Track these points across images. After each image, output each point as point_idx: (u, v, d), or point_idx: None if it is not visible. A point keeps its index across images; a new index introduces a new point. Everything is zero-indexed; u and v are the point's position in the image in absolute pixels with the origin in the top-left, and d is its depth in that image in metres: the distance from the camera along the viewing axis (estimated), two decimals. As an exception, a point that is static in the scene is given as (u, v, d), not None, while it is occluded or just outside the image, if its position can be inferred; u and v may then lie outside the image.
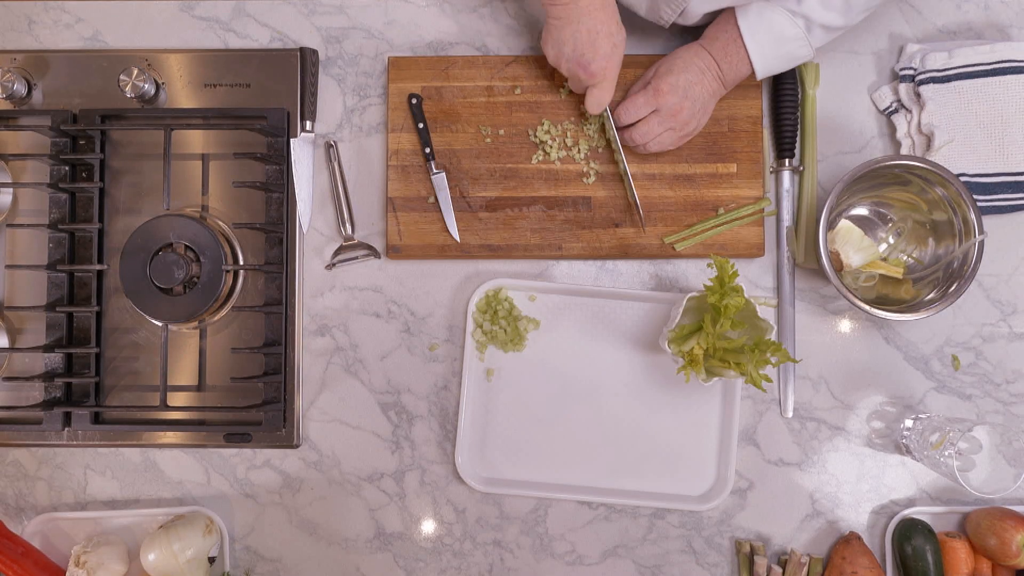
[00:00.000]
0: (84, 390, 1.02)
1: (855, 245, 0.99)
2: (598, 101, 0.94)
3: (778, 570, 0.98)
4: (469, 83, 1.03)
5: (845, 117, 1.04)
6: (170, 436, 1.02)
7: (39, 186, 1.01)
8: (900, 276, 0.99)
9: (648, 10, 0.96)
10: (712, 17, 0.95)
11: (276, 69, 1.04)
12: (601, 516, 1.02)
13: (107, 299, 1.03)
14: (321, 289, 1.04)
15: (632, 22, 0.99)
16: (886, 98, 1.03)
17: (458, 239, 1.02)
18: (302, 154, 1.03)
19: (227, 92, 1.05)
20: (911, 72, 1.01)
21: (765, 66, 0.93)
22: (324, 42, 1.06)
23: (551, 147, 1.01)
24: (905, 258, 1.01)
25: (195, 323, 1.03)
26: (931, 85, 0.99)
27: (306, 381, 1.03)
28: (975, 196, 0.97)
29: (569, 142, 1.01)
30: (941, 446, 0.91)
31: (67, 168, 1.03)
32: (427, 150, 1.02)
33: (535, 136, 1.02)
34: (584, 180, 1.02)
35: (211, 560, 0.99)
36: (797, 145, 1.03)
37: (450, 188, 1.02)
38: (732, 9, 0.92)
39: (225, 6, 1.07)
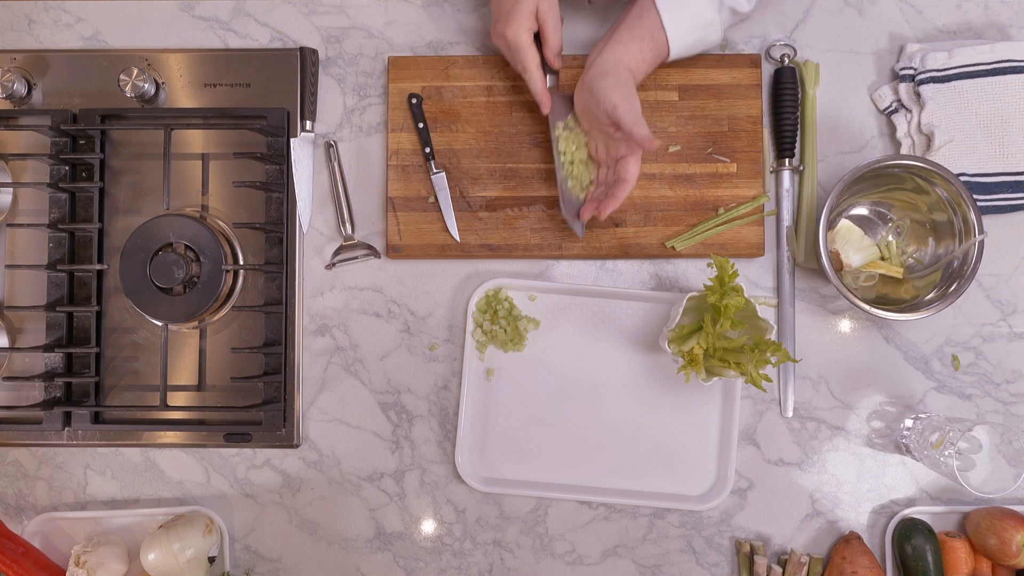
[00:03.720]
0: (84, 390, 1.02)
1: (855, 245, 0.99)
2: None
3: (778, 570, 0.98)
4: (469, 83, 1.03)
5: (845, 117, 1.04)
6: (170, 436, 1.02)
7: (39, 186, 1.01)
8: (900, 276, 0.99)
9: None
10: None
11: (276, 69, 1.04)
12: (601, 516, 1.02)
13: (107, 299, 1.03)
14: (321, 289, 1.04)
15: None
16: (886, 98, 1.03)
17: (458, 239, 1.02)
18: (302, 154, 1.03)
19: (227, 92, 1.05)
20: (911, 72, 1.01)
21: (679, 50, 0.92)
22: (324, 42, 1.06)
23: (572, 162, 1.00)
24: (905, 258, 1.01)
25: (195, 323, 1.03)
26: (931, 85, 0.99)
27: (306, 381, 1.03)
28: (975, 196, 0.97)
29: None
30: (941, 446, 0.91)
31: (67, 168, 1.03)
32: (427, 150, 1.02)
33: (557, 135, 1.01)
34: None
35: (211, 560, 0.99)
36: (797, 145, 1.03)
37: (450, 188, 1.02)
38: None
39: (225, 6, 1.07)
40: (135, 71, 1.01)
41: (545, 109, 0.95)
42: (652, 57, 0.92)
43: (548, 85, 0.96)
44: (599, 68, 0.90)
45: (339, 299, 1.04)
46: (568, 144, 0.96)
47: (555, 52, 0.93)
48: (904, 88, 1.01)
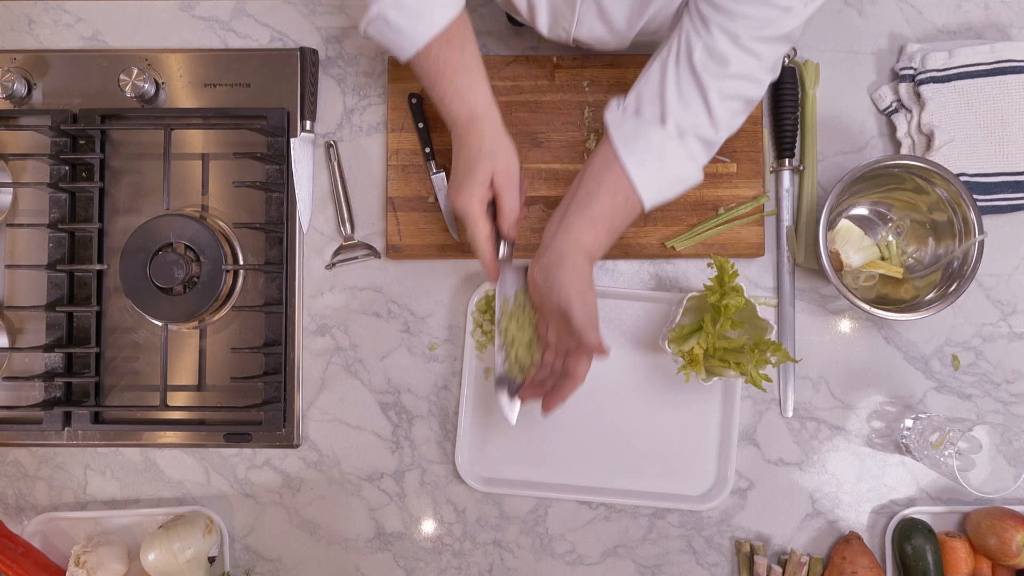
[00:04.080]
0: (84, 390, 1.02)
1: (855, 245, 0.99)
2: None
3: (778, 570, 0.98)
4: (469, 83, 1.03)
5: (845, 117, 1.04)
6: (170, 436, 1.02)
7: (39, 186, 1.01)
8: (900, 276, 0.99)
9: (550, 28, 0.91)
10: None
11: (276, 69, 1.04)
12: (601, 516, 1.02)
13: (107, 299, 1.03)
14: (321, 289, 1.04)
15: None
16: (886, 98, 1.03)
17: (458, 239, 1.01)
18: (302, 154, 1.03)
19: (227, 92, 1.05)
20: (911, 72, 1.01)
21: (652, 199, 0.83)
22: (324, 42, 1.06)
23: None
24: (906, 258, 1.01)
25: (195, 323, 1.03)
26: (931, 85, 0.99)
27: (306, 381, 1.03)
28: (975, 196, 0.97)
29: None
30: (941, 446, 0.91)
31: (67, 168, 1.03)
32: (427, 150, 1.02)
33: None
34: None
35: (211, 560, 0.99)
36: (797, 145, 1.03)
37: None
38: (610, 145, 0.83)
39: (225, 6, 1.07)
40: (135, 71, 1.01)
41: (492, 281, 0.87)
42: (608, 235, 0.84)
43: (500, 255, 0.88)
44: (556, 253, 0.82)
45: (339, 299, 1.04)
46: (511, 323, 0.88)
47: (510, 223, 0.86)
48: (904, 88, 1.01)
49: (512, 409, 0.88)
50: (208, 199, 1.04)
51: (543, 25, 0.90)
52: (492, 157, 0.83)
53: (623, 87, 1.01)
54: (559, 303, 0.81)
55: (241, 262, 1.04)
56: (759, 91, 0.82)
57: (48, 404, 1.00)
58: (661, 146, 0.81)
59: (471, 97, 0.84)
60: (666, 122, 0.81)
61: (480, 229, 0.84)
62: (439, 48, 0.82)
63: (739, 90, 0.81)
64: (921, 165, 0.94)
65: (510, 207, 0.85)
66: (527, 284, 0.89)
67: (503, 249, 0.88)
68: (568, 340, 0.84)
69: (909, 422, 0.99)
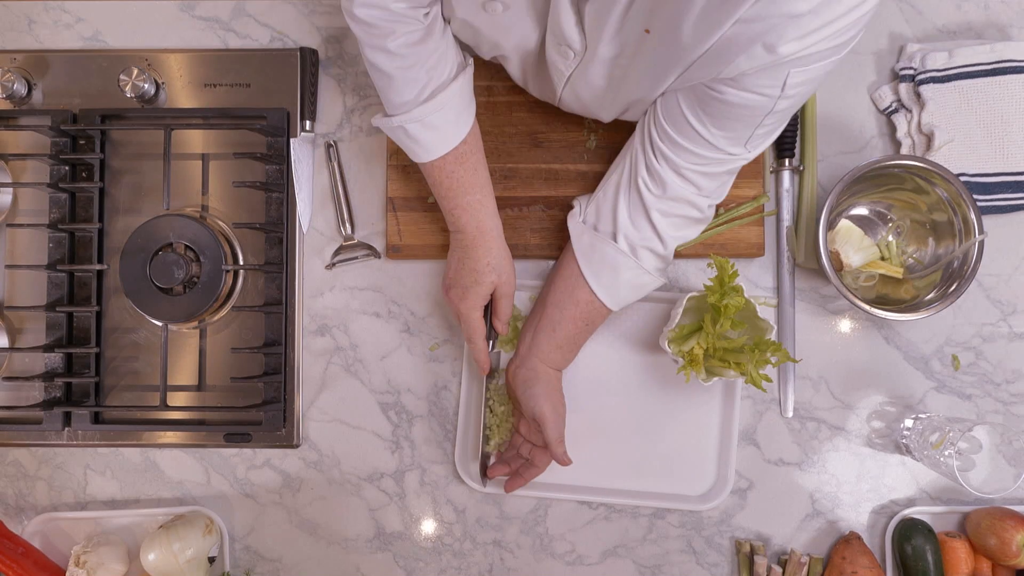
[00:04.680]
0: (84, 390, 1.02)
1: (855, 245, 0.99)
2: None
3: (778, 570, 0.98)
4: (469, 83, 1.03)
5: (845, 117, 1.04)
6: (170, 436, 1.02)
7: (39, 186, 1.01)
8: (900, 276, 0.99)
9: (540, 96, 0.95)
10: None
11: (276, 69, 1.04)
12: (601, 516, 1.02)
13: (107, 299, 1.03)
14: (321, 289, 1.04)
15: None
16: (886, 98, 1.03)
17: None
18: (302, 154, 1.03)
19: (227, 92, 1.05)
20: (911, 72, 1.01)
21: (617, 304, 0.91)
22: (324, 42, 1.06)
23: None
24: (905, 258, 1.01)
25: (195, 323, 1.03)
26: (931, 85, 0.99)
27: (306, 381, 1.03)
28: (975, 196, 0.97)
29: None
30: (941, 446, 0.91)
31: (67, 168, 1.03)
32: (427, 150, 1.02)
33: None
34: (584, 180, 1.02)
35: (211, 560, 0.99)
36: (797, 145, 1.03)
37: (450, 188, 1.02)
38: (572, 253, 0.90)
39: (225, 6, 1.07)
40: (135, 71, 1.01)
41: (483, 373, 0.95)
42: (575, 352, 0.94)
43: (491, 348, 0.95)
44: (531, 370, 0.92)
45: (339, 299, 1.04)
46: (497, 406, 0.99)
47: (504, 322, 0.94)
48: (904, 88, 1.01)
49: (484, 481, 0.98)
50: (208, 199, 1.04)
51: (534, 93, 0.95)
52: (497, 272, 0.90)
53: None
54: (534, 414, 0.91)
55: (241, 262, 1.04)
56: (699, 214, 0.87)
57: (48, 404, 1.00)
58: (615, 260, 0.87)
59: (481, 212, 0.90)
60: (618, 238, 0.87)
61: (478, 332, 0.92)
62: (453, 165, 0.87)
63: (678, 211, 0.86)
64: (921, 165, 0.94)
65: (506, 312, 0.94)
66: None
67: (493, 343, 0.96)
68: (536, 438, 0.95)
69: (909, 422, 0.99)
